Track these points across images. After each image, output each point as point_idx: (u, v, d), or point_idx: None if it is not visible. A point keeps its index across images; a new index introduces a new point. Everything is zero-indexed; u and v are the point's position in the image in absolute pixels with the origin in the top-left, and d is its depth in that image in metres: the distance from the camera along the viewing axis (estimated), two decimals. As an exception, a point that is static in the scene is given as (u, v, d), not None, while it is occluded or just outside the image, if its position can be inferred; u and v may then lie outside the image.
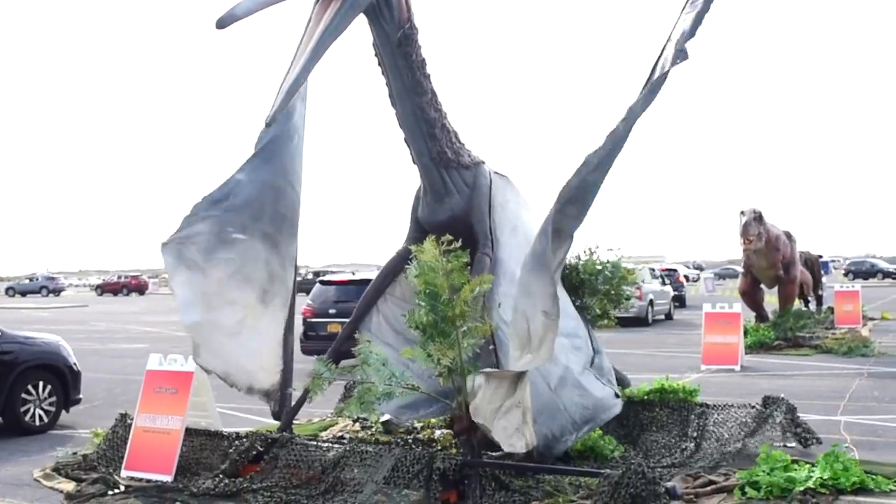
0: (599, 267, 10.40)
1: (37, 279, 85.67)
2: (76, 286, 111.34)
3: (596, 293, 10.39)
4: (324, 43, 7.40)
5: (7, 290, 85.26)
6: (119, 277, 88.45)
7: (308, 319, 18.92)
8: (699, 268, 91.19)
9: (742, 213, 21.45)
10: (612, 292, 10.50)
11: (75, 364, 12.75)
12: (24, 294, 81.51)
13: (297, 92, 7.64)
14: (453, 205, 9.03)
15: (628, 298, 10.87)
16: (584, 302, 10.30)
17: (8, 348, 11.98)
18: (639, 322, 28.33)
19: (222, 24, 6.78)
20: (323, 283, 20.06)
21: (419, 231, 9.12)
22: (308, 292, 21.47)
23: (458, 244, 7.46)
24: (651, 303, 29.81)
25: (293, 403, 9.29)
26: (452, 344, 7.39)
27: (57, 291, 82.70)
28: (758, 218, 21.32)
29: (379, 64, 8.52)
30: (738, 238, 21.54)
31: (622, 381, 10.53)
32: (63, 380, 12.49)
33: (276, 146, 9.16)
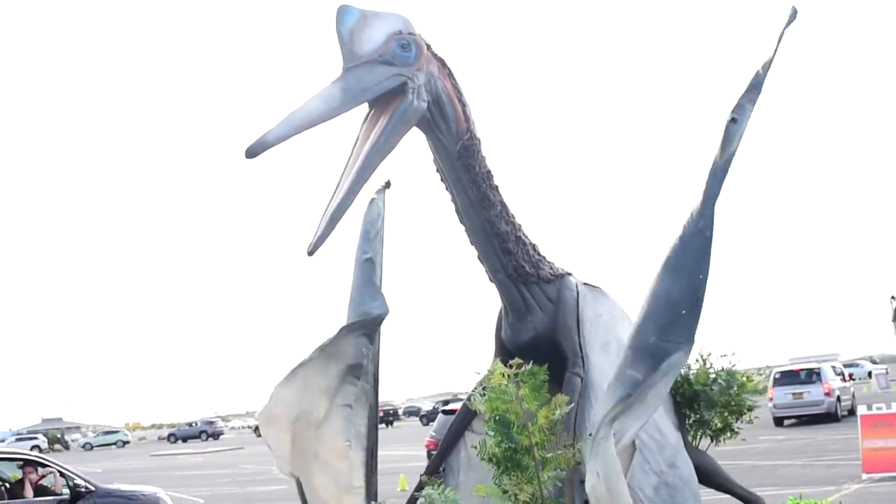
0: (713, 376, 9.45)
1: (196, 424, 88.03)
2: (237, 429, 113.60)
3: (713, 405, 9.42)
4: (371, 162, 6.97)
5: (168, 436, 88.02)
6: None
7: (433, 452, 18.34)
8: (874, 362, 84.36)
9: (892, 298, 20.10)
10: (733, 403, 9.53)
11: (173, 517, 12.59)
12: (184, 440, 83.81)
13: (342, 218, 7.08)
14: (537, 323, 8.28)
15: (751, 409, 9.84)
16: (701, 416, 9.35)
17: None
18: (829, 418, 29.59)
19: (252, 153, 6.40)
20: (446, 412, 19.69)
21: (504, 354, 8.36)
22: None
23: (531, 364, 6.69)
24: (838, 399, 30.49)
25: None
26: (531, 477, 6.59)
27: (216, 435, 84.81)
28: (910, 304, 19.89)
29: (441, 179, 8.02)
30: (891, 325, 20.18)
31: (749, 501, 9.41)
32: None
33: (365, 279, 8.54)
